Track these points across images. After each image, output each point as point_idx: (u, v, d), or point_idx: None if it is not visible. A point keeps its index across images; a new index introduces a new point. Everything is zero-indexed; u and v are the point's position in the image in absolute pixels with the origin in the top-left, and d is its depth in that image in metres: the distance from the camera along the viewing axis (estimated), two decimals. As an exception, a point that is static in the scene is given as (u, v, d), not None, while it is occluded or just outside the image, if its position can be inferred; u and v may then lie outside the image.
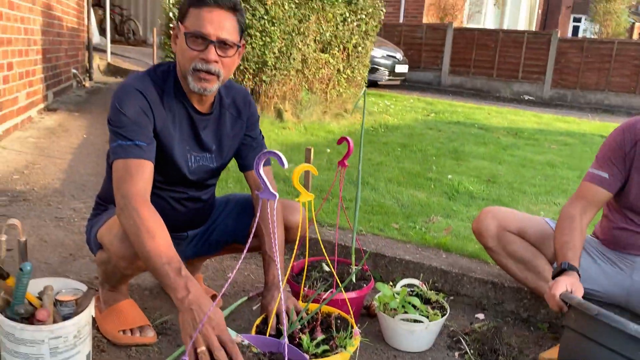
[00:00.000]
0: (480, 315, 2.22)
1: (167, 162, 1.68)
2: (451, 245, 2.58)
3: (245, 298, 2.15)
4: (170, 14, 5.81)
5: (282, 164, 1.14)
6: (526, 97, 11.92)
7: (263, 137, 1.92)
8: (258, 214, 1.20)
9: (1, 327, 1.46)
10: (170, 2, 6.18)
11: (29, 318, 1.47)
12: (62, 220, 2.82)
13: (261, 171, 1.19)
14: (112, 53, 11.00)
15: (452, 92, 12.27)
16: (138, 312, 1.81)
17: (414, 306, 1.91)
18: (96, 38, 12.41)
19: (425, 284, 2.11)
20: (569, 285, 1.65)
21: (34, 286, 1.54)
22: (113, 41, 12.75)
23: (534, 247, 2.05)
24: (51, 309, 1.50)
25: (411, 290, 2.05)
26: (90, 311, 1.57)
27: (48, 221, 2.79)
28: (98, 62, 10.23)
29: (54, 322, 1.49)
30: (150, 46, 12.84)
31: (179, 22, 1.61)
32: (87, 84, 8.53)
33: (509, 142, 6.01)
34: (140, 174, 1.51)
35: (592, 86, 11.60)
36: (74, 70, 7.91)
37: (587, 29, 21.94)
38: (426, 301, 2.02)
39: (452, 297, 2.32)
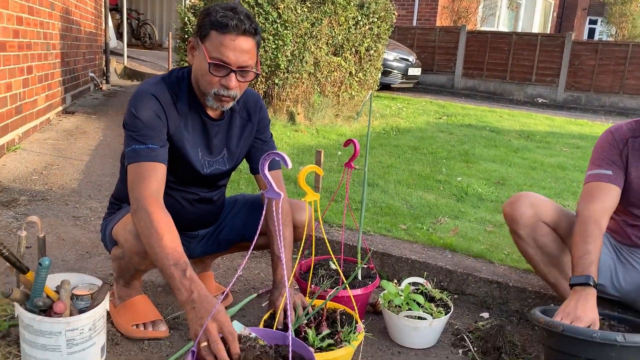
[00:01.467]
0: (485, 314, 2.26)
1: (181, 164, 1.75)
2: (457, 245, 2.62)
3: (254, 295, 2.22)
4: (186, 19, 5.91)
5: (286, 164, 1.20)
6: (540, 100, 11.87)
7: (273, 140, 1.98)
8: (264, 212, 1.26)
9: (21, 319, 1.54)
10: (185, 7, 6.29)
11: (47, 310, 1.55)
12: (79, 219, 2.91)
13: (266, 171, 1.25)
14: (128, 57, 11.17)
15: (465, 95, 12.25)
16: (151, 307, 1.88)
17: (418, 303, 1.96)
18: (113, 42, 12.60)
19: (430, 283, 2.16)
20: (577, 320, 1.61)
21: (52, 281, 1.62)
22: (130, 45, 12.93)
23: (563, 242, 1.98)
24: (68, 302, 1.57)
25: (416, 288, 2.09)
26: (105, 305, 1.64)
27: (66, 220, 2.88)
28: (115, 66, 10.40)
29: (71, 314, 1.57)
30: (166, 50, 13.00)
31: (199, 39, 1.64)
32: (104, 87, 8.68)
33: (520, 144, 6.02)
34: (153, 177, 1.58)
35: (607, 89, 11.51)
36: (91, 74, 8.06)
37: (603, 32, 21.74)
38: (431, 299, 2.06)
39: (457, 296, 2.36)
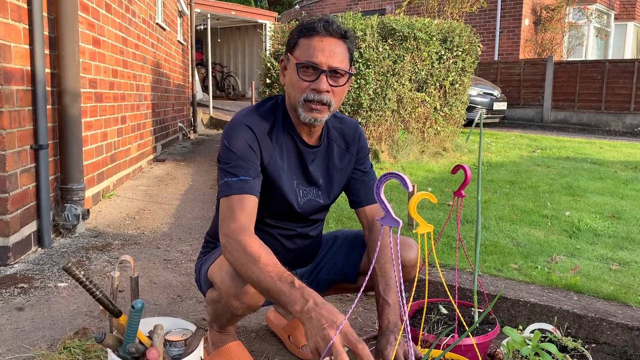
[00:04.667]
0: (627, 368, 1.91)
1: (276, 197, 1.62)
2: (582, 286, 2.29)
3: (355, 343, 2.01)
4: (269, 64, 6.00)
5: (407, 187, 1.02)
6: (641, 130, 11.00)
7: (374, 171, 1.82)
8: (379, 243, 1.08)
9: (113, 367, 1.43)
10: (268, 53, 6.41)
11: (140, 358, 1.43)
12: (170, 262, 2.85)
13: (382, 196, 1.08)
14: (214, 107, 11.63)
15: (556, 128, 11.60)
16: (246, 355, 1.72)
17: (550, 354, 1.67)
18: (199, 94, 13.22)
19: (559, 330, 1.86)
20: None
21: (144, 325, 1.51)
22: (214, 96, 13.51)
23: None
24: (161, 348, 1.45)
25: (543, 337, 1.80)
26: (199, 352, 1.50)
27: (157, 263, 2.84)
28: (201, 116, 10.83)
29: (164, 362, 1.44)
30: (249, 100, 13.45)
31: (289, 54, 1.58)
32: (192, 136, 9.00)
33: (629, 176, 5.48)
34: (243, 209, 1.46)
35: None
36: (180, 124, 8.39)
37: None
38: (562, 349, 1.76)
39: (592, 345, 2.02)
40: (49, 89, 3.08)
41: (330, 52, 1.50)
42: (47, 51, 3.05)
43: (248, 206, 1.48)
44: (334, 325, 1.17)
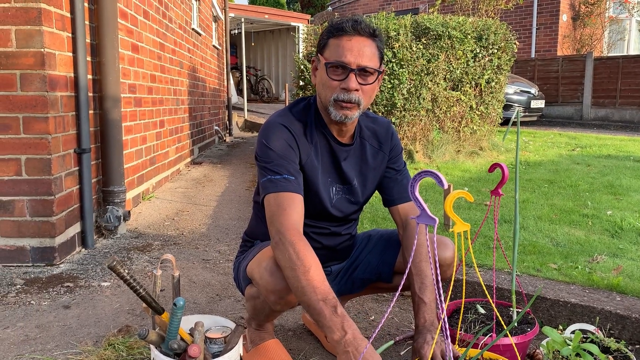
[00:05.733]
0: (674, 370, 1.86)
1: (311, 196, 1.64)
2: (626, 287, 2.23)
3: (391, 342, 2.00)
4: (302, 67, 6.04)
5: (442, 184, 1.02)
6: (687, 126, 10.60)
7: (407, 169, 1.82)
8: (416, 241, 1.08)
9: (156, 362, 1.47)
10: (303, 55, 6.45)
11: (182, 354, 1.47)
12: (209, 262, 2.91)
13: (417, 193, 1.08)
14: (248, 110, 11.76)
15: (597, 126, 11.29)
16: (284, 353, 1.75)
17: (592, 354, 1.64)
18: (234, 98, 13.39)
19: (601, 330, 1.82)
20: None
21: (185, 323, 1.55)
22: (249, 100, 13.65)
23: None
24: (202, 345, 1.49)
25: (584, 337, 1.77)
26: (239, 349, 1.54)
27: (196, 263, 2.90)
28: (237, 119, 10.97)
29: (205, 359, 1.47)
30: (283, 102, 13.55)
31: (319, 54, 1.60)
32: (228, 139, 9.13)
33: (676, 173, 5.29)
34: (293, 207, 1.49)
35: None
36: (215, 127, 8.52)
37: None
38: (605, 350, 1.73)
39: (637, 347, 1.97)
40: (90, 94, 3.18)
41: (359, 51, 1.52)
42: (89, 58, 3.16)
43: (297, 205, 1.51)
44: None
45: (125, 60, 3.75)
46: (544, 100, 10.80)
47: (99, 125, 3.31)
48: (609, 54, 13.78)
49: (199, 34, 7.25)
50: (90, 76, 3.19)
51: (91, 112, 3.18)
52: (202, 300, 2.40)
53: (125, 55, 3.77)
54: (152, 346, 1.48)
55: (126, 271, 1.40)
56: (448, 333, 1.15)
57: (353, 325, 1.28)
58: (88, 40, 3.15)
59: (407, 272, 1.12)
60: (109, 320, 2.17)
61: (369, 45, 1.54)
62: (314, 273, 1.36)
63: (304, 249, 1.40)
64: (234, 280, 1.83)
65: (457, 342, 1.64)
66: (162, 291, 2.43)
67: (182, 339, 1.49)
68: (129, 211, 3.46)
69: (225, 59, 10.00)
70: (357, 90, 1.54)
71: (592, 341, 1.75)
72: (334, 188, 1.69)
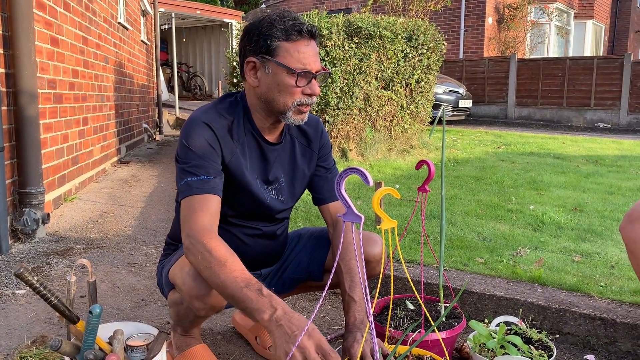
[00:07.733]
0: (590, 357, 1.94)
1: (241, 195, 1.59)
2: (547, 278, 2.33)
3: (323, 341, 1.99)
4: (234, 63, 5.94)
5: (367, 182, 1.01)
6: (601, 125, 11.31)
7: (337, 167, 1.80)
8: (342, 240, 1.06)
9: (71, 375, 1.38)
10: (234, 52, 6.34)
11: (99, 365, 1.38)
12: (134, 266, 2.79)
13: (343, 192, 1.06)
14: (180, 108, 11.44)
15: (521, 124, 11.84)
16: (212, 358, 1.68)
17: (515, 346, 1.69)
18: (165, 95, 13.00)
19: (524, 322, 1.88)
20: None
21: (104, 331, 1.46)
22: (181, 97, 13.31)
23: None
24: (122, 354, 1.41)
25: (509, 329, 1.82)
26: (162, 357, 1.46)
27: (120, 267, 2.76)
28: (167, 117, 10.66)
29: (125, 369, 1.39)
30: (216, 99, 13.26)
31: (264, 55, 1.50)
32: (158, 137, 8.85)
33: (590, 170, 5.62)
34: (206, 209, 1.43)
35: (675, 108, 10.88)
36: (144, 125, 8.23)
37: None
38: (527, 341, 1.79)
39: (557, 336, 2.06)
40: (4, 89, 2.97)
41: (316, 55, 1.51)
42: (1, 50, 2.94)
43: (211, 206, 1.45)
44: (306, 333, 1.16)
45: (43, 54, 3.53)
46: (471, 100, 11.19)
47: (14, 123, 3.10)
48: (531, 56, 14.48)
49: (126, 29, 6.97)
50: (2, 70, 2.97)
51: (4, 108, 2.97)
52: (127, 306, 2.29)
53: (44, 49, 3.55)
54: (66, 358, 1.39)
55: (35, 278, 1.29)
56: (375, 332, 1.14)
57: (282, 302, 1.24)
58: (0, 32, 2.94)
59: (333, 270, 1.10)
60: (22, 331, 2.02)
61: (316, 47, 1.54)
62: (231, 265, 1.31)
63: (216, 245, 1.35)
64: (157, 286, 1.75)
65: (386, 339, 1.64)
66: (82, 297, 2.30)
67: (100, 348, 1.40)
68: (49, 213, 3.27)
69: (154, 54, 9.68)
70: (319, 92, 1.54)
71: (515, 333, 1.81)
72: (264, 187, 1.65)
